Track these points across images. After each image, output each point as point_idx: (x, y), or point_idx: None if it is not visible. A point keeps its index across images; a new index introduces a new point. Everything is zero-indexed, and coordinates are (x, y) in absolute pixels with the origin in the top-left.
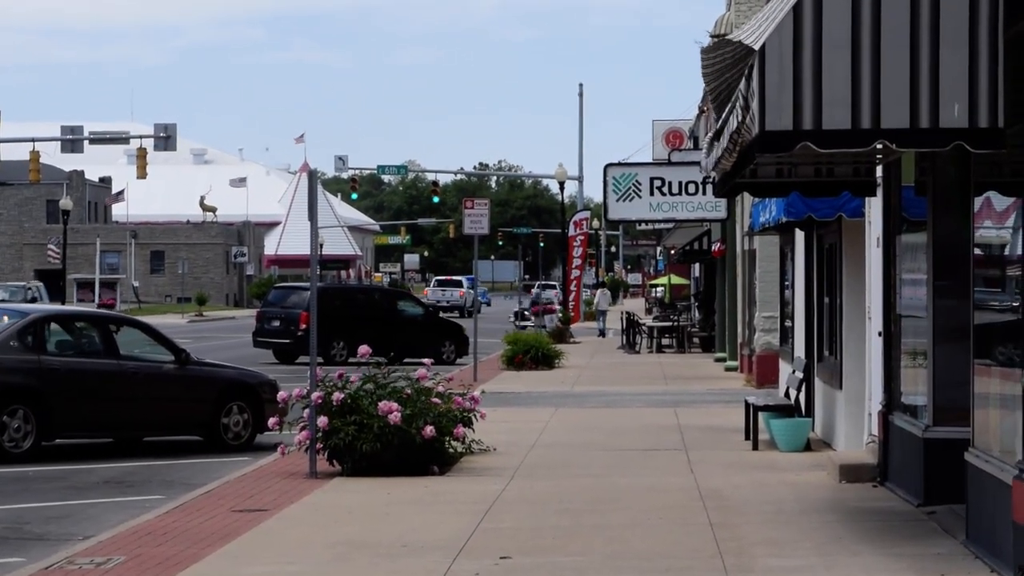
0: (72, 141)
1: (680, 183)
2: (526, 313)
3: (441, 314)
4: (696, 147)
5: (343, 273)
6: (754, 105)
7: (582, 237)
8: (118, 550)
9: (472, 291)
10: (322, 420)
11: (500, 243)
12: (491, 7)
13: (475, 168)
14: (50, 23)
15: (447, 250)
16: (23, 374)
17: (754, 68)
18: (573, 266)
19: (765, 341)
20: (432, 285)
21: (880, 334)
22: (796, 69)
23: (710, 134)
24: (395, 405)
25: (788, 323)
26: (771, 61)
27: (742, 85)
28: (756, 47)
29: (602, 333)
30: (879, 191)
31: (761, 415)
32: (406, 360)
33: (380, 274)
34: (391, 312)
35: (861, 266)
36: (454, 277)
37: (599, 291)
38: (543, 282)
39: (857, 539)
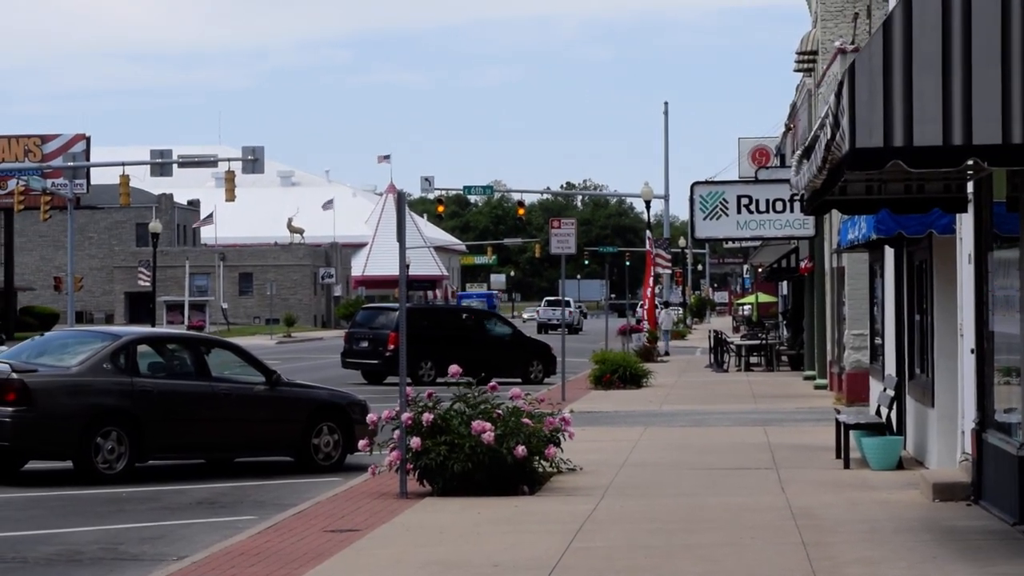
0: (161, 165)
1: (767, 201)
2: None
3: (549, 331)
4: (783, 164)
5: (430, 294)
6: (844, 122)
7: (652, 255)
8: (211, 571)
9: (576, 309)
10: (415, 441)
11: (586, 262)
12: (572, 27)
13: (561, 188)
14: (138, 49)
15: (533, 270)
16: (116, 396)
17: (843, 85)
18: (649, 284)
19: (855, 359)
20: (543, 305)
21: (972, 351)
22: (886, 86)
23: (799, 152)
24: (488, 425)
25: (878, 340)
26: (861, 78)
27: (832, 102)
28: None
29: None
30: (970, 207)
31: (852, 433)
32: (494, 380)
33: None
34: (479, 332)
35: (952, 283)
36: (560, 297)
37: (663, 311)
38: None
39: (952, 558)
